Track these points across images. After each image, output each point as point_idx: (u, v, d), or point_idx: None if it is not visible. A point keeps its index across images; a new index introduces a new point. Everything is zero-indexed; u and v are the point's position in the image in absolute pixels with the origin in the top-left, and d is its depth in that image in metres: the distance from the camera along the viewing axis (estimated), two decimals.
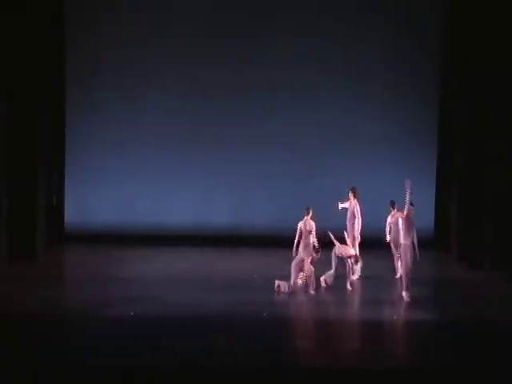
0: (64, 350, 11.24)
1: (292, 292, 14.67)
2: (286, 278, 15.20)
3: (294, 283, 14.84)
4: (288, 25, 20.15)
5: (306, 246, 14.95)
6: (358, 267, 16.03)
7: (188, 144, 20.28)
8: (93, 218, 20.15)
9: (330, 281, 15.32)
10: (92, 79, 20.19)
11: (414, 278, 15.77)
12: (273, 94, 20.27)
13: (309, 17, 20.16)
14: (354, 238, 16.16)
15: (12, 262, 16.93)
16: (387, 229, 16.26)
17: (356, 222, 16.32)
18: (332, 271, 15.33)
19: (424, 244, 19.30)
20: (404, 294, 14.37)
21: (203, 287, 15.23)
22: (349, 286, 15.23)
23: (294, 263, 14.95)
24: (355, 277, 15.92)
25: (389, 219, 16.29)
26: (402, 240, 14.35)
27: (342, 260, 15.26)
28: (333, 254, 15.32)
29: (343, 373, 10.39)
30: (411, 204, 14.20)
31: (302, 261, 14.87)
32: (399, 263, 15.44)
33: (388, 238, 16.25)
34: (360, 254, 16.03)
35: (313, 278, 14.82)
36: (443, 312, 13.89)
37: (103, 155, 20.30)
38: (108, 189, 20.27)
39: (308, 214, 15.21)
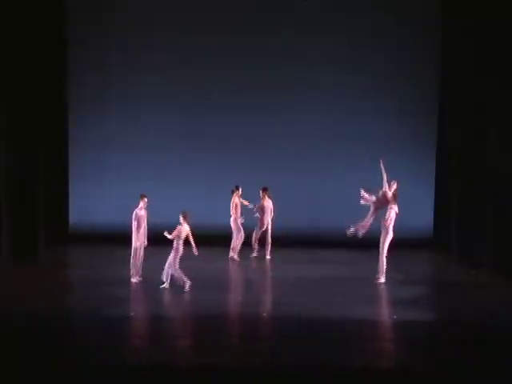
0: (64, 349, 11.27)
1: None
2: (282, 277, 15.20)
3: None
4: (291, 25, 20.16)
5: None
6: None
7: (191, 144, 20.31)
8: (96, 217, 20.17)
9: None
10: (95, 79, 20.20)
11: (413, 278, 15.82)
12: (276, 94, 20.30)
13: (312, 17, 20.18)
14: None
15: (13, 262, 16.96)
16: None
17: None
18: None
19: (423, 244, 19.33)
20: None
21: (205, 287, 15.25)
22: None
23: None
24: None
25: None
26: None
27: None
28: None
29: (343, 373, 10.42)
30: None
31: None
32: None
33: None
34: None
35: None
36: (443, 312, 13.91)
37: (107, 155, 20.34)
38: (111, 189, 20.29)
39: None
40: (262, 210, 18.52)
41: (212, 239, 19.51)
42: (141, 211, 15.43)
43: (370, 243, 16.93)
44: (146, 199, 15.50)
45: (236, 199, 18.42)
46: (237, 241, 18.48)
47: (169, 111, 20.40)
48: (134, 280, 15.38)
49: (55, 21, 19.39)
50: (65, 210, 20.51)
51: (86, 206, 20.34)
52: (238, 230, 18.46)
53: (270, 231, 18.63)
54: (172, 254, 14.86)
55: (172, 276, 14.92)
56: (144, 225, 15.46)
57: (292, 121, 20.32)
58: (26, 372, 10.16)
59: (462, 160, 18.75)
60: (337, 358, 10.96)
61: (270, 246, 18.62)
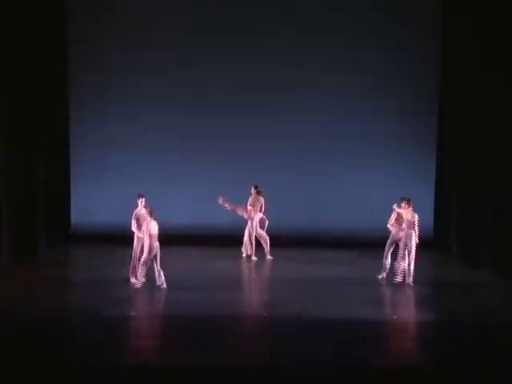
0: (64, 349, 11.27)
1: None
2: (282, 277, 15.14)
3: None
4: (291, 25, 20.16)
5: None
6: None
7: (191, 144, 20.33)
8: (96, 217, 20.17)
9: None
10: (95, 79, 20.20)
11: (413, 278, 15.82)
12: (276, 94, 20.31)
13: (312, 17, 20.18)
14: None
15: (13, 262, 16.97)
16: None
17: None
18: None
19: (423, 244, 19.41)
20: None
21: (205, 287, 15.26)
22: None
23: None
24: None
25: None
26: None
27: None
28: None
29: (343, 373, 10.43)
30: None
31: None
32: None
33: None
34: None
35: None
36: (443, 312, 13.91)
37: (107, 155, 20.34)
38: (112, 189, 20.30)
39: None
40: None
41: (212, 239, 19.58)
42: (141, 210, 15.43)
43: (370, 243, 16.98)
44: (142, 198, 15.50)
45: (261, 199, 18.39)
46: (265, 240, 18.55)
47: (169, 111, 20.40)
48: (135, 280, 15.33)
49: (55, 21, 19.38)
50: (65, 210, 20.51)
51: (86, 206, 20.35)
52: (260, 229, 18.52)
53: (264, 230, 18.59)
54: (145, 251, 14.85)
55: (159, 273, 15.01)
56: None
57: (292, 121, 20.32)
58: (26, 372, 10.17)
59: (462, 160, 18.76)
60: (337, 358, 10.97)
61: (268, 245, 18.60)
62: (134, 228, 15.31)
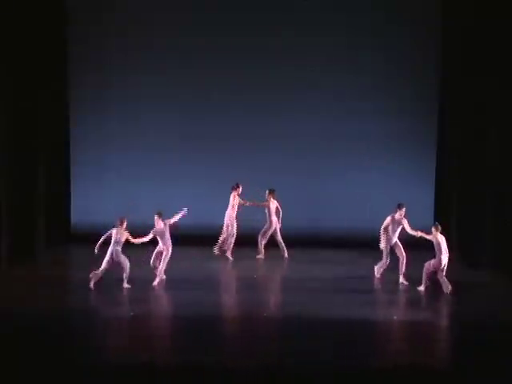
0: (64, 350, 11.28)
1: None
2: (282, 277, 15.12)
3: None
4: (291, 25, 20.12)
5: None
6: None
7: (191, 144, 20.30)
8: (96, 217, 20.14)
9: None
10: (95, 79, 20.19)
11: (413, 278, 15.83)
12: (276, 94, 20.26)
13: (312, 17, 20.14)
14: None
15: (13, 262, 16.96)
16: None
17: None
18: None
19: (423, 244, 19.42)
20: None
21: (204, 287, 15.26)
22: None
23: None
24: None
25: None
26: None
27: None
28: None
29: (343, 373, 10.43)
30: None
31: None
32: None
33: None
34: None
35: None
36: (443, 312, 13.92)
37: (107, 155, 20.31)
38: (111, 189, 20.28)
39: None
40: (268, 211, 18.60)
41: (212, 239, 19.55)
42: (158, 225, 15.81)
43: (370, 243, 16.97)
44: (156, 217, 15.89)
45: (236, 197, 18.43)
46: (230, 238, 18.46)
47: (169, 111, 20.39)
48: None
49: (55, 21, 19.37)
50: (65, 210, 20.50)
51: (86, 206, 20.34)
52: (232, 227, 18.44)
53: (279, 232, 18.64)
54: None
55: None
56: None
57: (292, 121, 20.30)
58: (26, 372, 10.17)
59: (462, 160, 18.75)
60: (337, 358, 10.97)
61: (283, 244, 18.62)
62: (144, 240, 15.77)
